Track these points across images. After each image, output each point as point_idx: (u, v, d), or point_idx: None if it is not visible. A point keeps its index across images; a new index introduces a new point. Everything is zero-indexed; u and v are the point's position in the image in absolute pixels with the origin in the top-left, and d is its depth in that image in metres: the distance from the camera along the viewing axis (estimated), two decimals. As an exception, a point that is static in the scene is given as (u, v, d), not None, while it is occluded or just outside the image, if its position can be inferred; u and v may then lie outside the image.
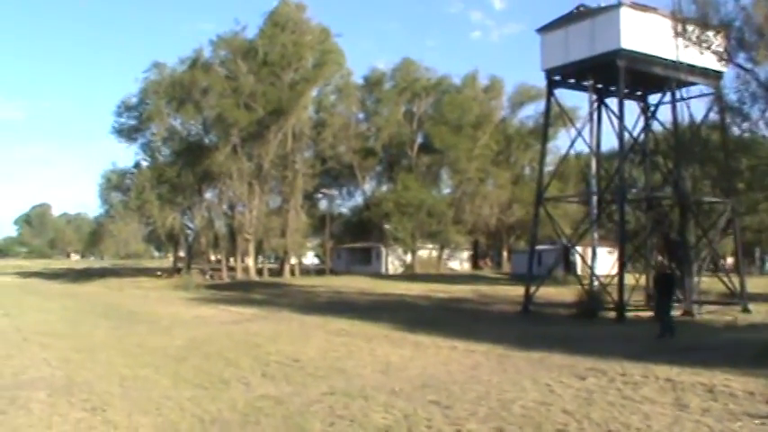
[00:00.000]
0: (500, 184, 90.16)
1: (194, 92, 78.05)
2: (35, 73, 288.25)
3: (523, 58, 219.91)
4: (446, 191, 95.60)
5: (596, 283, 34.22)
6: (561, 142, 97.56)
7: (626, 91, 33.33)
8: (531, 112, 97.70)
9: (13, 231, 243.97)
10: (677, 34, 30.65)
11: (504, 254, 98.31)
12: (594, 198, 36.19)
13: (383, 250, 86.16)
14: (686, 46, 30.67)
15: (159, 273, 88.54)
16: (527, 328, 27.23)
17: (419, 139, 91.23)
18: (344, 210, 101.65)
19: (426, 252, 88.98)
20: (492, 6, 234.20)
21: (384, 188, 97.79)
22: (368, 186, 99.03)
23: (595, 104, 35.85)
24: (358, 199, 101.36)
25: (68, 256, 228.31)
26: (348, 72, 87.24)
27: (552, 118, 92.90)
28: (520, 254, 77.69)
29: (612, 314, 31.40)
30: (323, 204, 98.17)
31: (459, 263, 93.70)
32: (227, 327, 28.17)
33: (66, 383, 14.96)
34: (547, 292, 37.19)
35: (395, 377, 15.65)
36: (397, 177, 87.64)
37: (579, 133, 35.18)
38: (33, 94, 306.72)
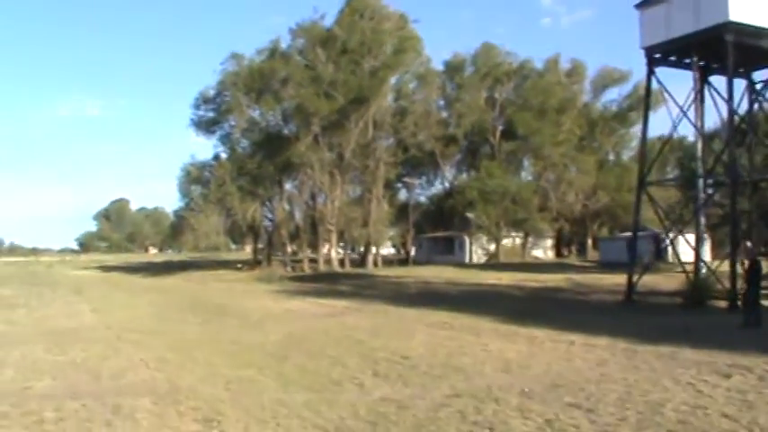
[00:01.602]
0: (585, 170, 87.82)
1: (273, 82, 77.40)
2: (110, 71, 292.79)
3: (595, 44, 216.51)
4: (527, 178, 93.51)
5: (703, 270, 32.44)
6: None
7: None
8: (615, 95, 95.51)
9: (92, 226, 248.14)
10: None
11: (589, 241, 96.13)
12: (701, 181, 34.19)
13: (466, 239, 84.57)
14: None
15: (239, 265, 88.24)
16: (637, 318, 25.61)
17: (501, 126, 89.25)
18: (422, 199, 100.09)
19: (510, 240, 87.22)
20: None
21: (464, 176, 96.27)
22: (448, 175, 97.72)
23: (698, 83, 33.85)
24: (438, 187, 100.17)
25: (147, 249, 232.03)
26: (427, 59, 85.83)
27: (635, 101, 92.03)
28: (608, 241, 75.85)
29: (721, 303, 29.59)
30: (402, 194, 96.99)
31: (543, 251, 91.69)
32: (322, 321, 27.12)
33: (170, 388, 13.80)
34: (642, 281, 35.31)
35: (519, 376, 14.67)
36: (480, 165, 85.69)
37: (684, 113, 33.07)
38: (109, 92, 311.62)
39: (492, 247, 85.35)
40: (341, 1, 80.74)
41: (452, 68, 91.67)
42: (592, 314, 28.50)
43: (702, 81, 34.09)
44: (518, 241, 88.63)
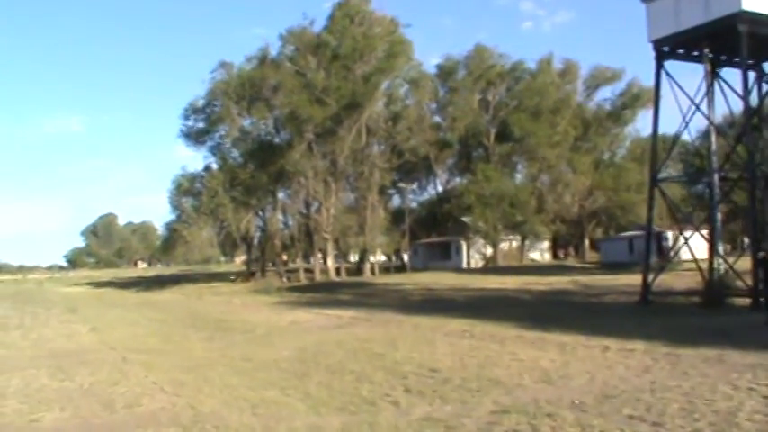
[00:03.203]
0: (581, 171, 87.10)
1: (264, 90, 76.45)
2: (93, 87, 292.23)
3: (577, 46, 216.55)
4: (522, 181, 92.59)
5: (722, 268, 31.46)
6: (640, 125, 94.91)
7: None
8: (608, 94, 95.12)
9: (80, 242, 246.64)
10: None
11: (586, 242, 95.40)
12: (716, 176, 33.10)
13: (463, 244, 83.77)
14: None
15: (233, 277, 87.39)
16: (661, 320, 24.66)
17: (494, 129, 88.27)
18: (414, 204, 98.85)
19: (506, 244, 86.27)
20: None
21: (457, 180, 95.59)
22: (442, 179, 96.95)
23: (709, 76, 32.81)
24: (430, 193, 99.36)
25: (135, 264, 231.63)
26: (418, 63, 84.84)
27: (628, 99, 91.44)
28: (610, 241, 75.21)
29: (739, 301, 28.67)
30: (395, 200, 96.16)
31: (540, 253, 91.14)
32: (332, 333, 25.99)
33: (194, 416, 12.38)
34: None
35: (564, 387, 13.65)
36: (475, 168, 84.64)
37: (698, 107, 31.97)
38: (92, 108, 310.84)
39: (489, 250, 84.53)
40: (329, 7, 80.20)
41: (445, 72, 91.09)
42: (612, 317, 27.48)
43: (713, 74, 33.08)
44: (515, 244, 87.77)
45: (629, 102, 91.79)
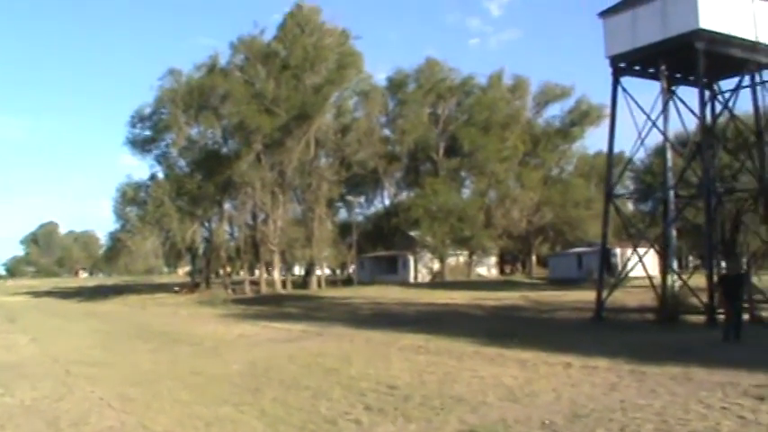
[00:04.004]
0: (529, 186, 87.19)
1: (213, 98, 75.57)
2: (36, 90, 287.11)
3: (523, 64, 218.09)
4: (469, 195, 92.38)
5: (677, 284, 31.32)
6: (588, 141, 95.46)
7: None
8: (557, 111, 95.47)
9: (20, 251, 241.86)
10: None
11: (533, 258, 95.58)
12: (671, 193, 32.95)
13: (410, 258, 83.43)
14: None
15: (177, 288, 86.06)
16: (617, 337, 24.15)
17: (444, 142, 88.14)
18: (360, 218, 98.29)
19: (454, 259, 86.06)
20: (489, 13, 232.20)
21: (405, 194, 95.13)
22: (388, 193, 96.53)
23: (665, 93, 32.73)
24: (377, 206, 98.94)
25: (76, 273, 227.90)
26: (368, 75, 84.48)
27: (577, 116, 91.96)
28: (558, 257, 75.51)
29: (693, 318, 28.47)
30: (342, 213, 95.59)
31: (487, 268, 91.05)
32: (283, 347, 25.16)
33: None
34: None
35: (530, 406, 12.95)
36: (423, 182, 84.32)
37: (654, 123, 31.77)
38: (35, 112, 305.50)
39: (436, 265, 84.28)
40: (280, 17, 79.57)
41: (395, 84, 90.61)
42: (568, 333, 27.13)
43: (669, 91, 33.01)
44: (461, 259, 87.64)
45: (578, 118, 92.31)
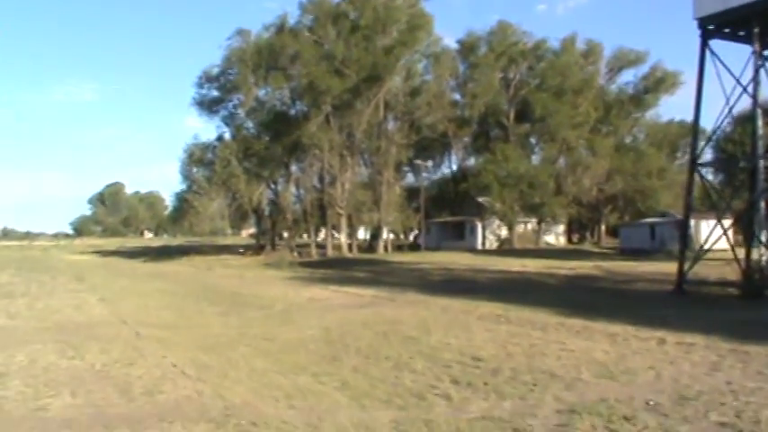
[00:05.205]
0: (601, 154, 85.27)
1: (282, 59, 74.81)
2: (106, 54, 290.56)
3: (591, 31, 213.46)
4: (539, 162, 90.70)
5: (763, 258, 29.86)
6: (662, 110, 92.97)
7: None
8: (631, 77, 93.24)
9: (87, 210, 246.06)
10: None
11: (602, 227, 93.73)
12: (761, 162, 31.36)
13: (478, 224, 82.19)
14: None
15: (242, 250, 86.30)
16: (704, 312, 23.02)
17: (514, 107, 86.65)
18: (426, 183, 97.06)
19: (522, 226, 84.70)
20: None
21: (473, 160, 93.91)
22: (456, 158, 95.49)
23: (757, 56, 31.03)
24: (444, 171, 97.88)
25: (142, 234, 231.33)
26: (438, 38, 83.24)
27: (651, 83, 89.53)
28: (630, 227, 73.65)
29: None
30: (408, 177, 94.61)
31: (555, 237, 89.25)
32: (357, 312, 24.40)
33: (224, 408, 10.62)
34: (677, 269, 32.47)
35: (630, 384, 12.09)
36: (494, 147, 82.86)
37: (744, 89, 30.36)
38: (104, 76, 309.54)
39: (504, 232, 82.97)
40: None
41: (466, 48, 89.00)
42: (650, 306, 25.83)
43: (760, 55, 31.33)
44: (529, 227, 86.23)
45: (652, 85, 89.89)
